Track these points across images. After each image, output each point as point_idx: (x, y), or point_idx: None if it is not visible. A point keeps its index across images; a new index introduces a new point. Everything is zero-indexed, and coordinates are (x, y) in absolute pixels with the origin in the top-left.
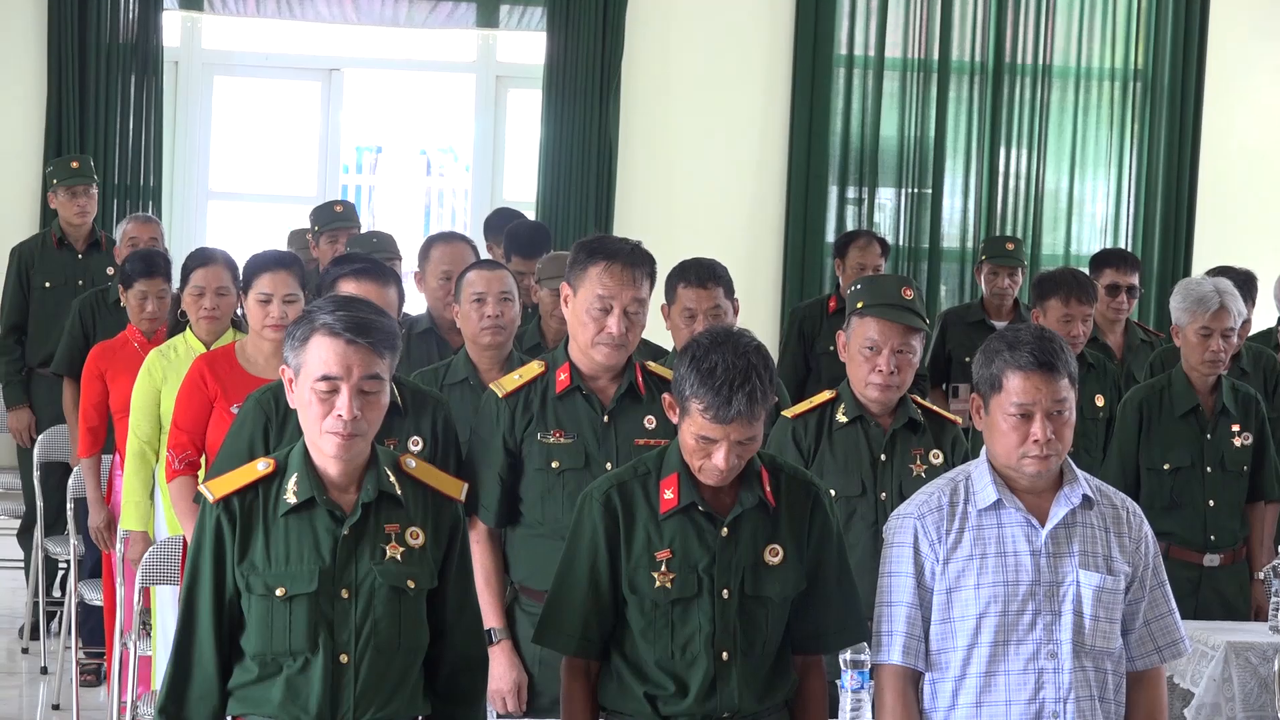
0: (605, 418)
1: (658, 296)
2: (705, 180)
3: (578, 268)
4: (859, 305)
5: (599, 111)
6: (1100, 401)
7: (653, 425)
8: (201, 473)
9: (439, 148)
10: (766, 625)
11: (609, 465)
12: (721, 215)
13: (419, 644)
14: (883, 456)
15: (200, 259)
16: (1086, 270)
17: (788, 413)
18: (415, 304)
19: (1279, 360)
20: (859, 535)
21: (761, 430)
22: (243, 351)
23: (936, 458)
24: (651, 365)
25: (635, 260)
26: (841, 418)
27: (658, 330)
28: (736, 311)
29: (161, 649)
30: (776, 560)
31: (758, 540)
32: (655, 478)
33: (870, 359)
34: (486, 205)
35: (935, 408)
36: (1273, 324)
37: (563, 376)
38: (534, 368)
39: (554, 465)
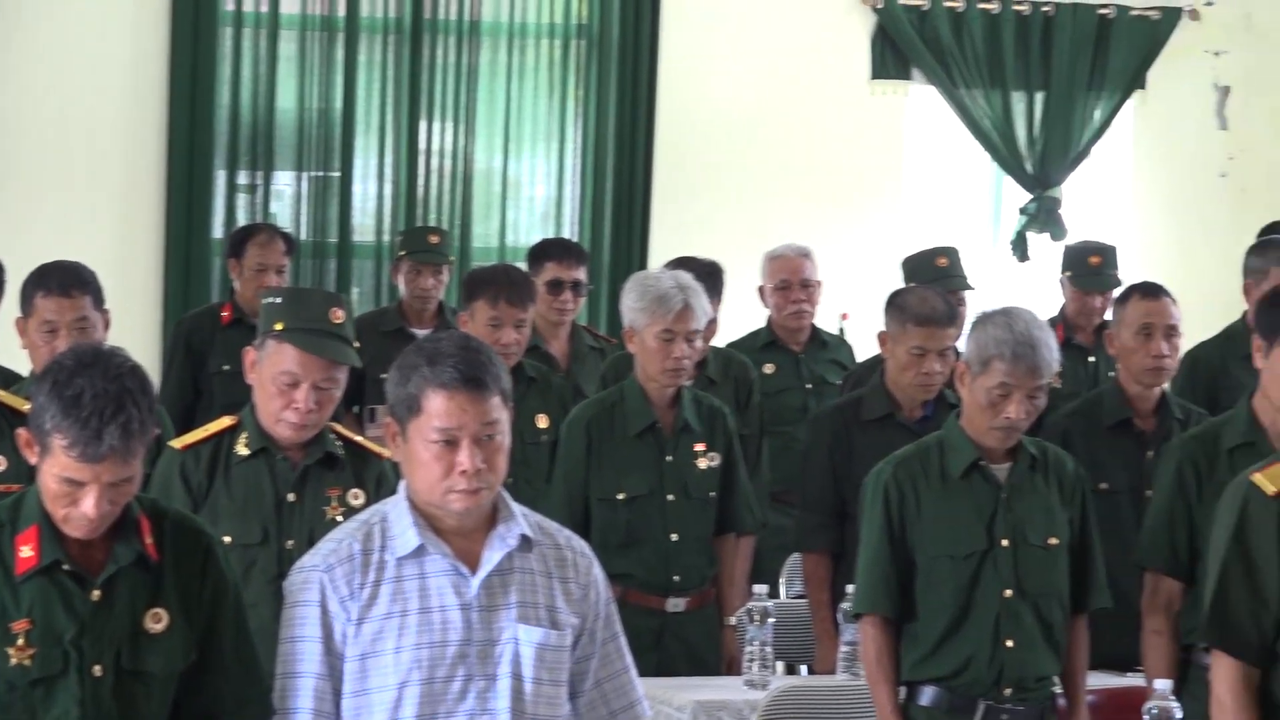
0: None
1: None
2: (62, 167)
3: None
4: (277, 327)
5: None
6: (544, 422)
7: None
8: None
9: None
10: (149, 707)
11: None
12: (84, 208)
13: None
14: (291, 496)
15: None
16: (525, 266)
17: (176, 443)
18: None
19: (750, 368)
20: (260, 592)
21: (139, 470)
22: None
23: (356, 498)
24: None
25: None
26: (242, 450)
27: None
28: (107, 325)
29: None
30: (160, 627)
31: (137, 604)
32: (10, 532)
33: (285, 394)
34: None
35: (358, 439)
36: (759, 325)
37: None
38: None
39: None
